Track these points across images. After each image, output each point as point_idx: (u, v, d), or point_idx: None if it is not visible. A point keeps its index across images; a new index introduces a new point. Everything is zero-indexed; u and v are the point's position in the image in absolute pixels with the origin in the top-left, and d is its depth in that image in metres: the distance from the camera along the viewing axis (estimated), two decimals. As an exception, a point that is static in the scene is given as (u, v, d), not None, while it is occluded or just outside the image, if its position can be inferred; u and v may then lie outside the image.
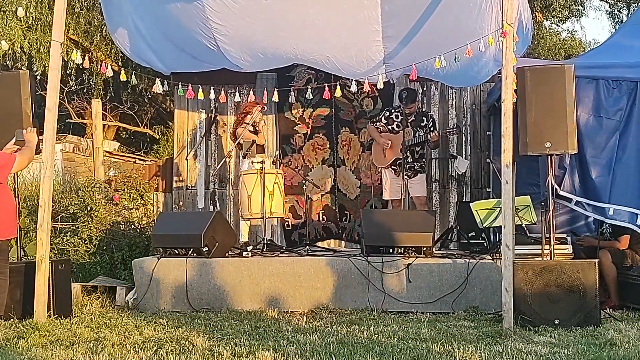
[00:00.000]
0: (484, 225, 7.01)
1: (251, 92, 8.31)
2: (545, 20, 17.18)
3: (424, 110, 9.06)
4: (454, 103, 9.49)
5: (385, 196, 8.63)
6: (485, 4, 6.54)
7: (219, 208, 9.21)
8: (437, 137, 8.40)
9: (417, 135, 8.33)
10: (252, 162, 8.19)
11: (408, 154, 8.30)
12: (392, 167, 8.44)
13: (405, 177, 8.19)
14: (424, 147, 8.54)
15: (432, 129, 8.43)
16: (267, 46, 7.52)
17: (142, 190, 9.32)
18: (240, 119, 8.73)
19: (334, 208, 9.59)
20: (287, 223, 9.52)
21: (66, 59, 7.52)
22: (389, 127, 8.50)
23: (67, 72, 12.96)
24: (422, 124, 8.44)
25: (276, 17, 7.04)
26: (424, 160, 8.61)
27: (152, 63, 8.25)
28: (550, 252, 6.22)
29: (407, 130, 8.27)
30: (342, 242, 9.53)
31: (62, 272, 6.71)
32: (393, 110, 8.62)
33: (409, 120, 8.36)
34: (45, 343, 5.39)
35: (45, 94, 6.61)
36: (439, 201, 9.42)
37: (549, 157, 6.26)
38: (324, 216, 9.60)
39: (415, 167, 8.45)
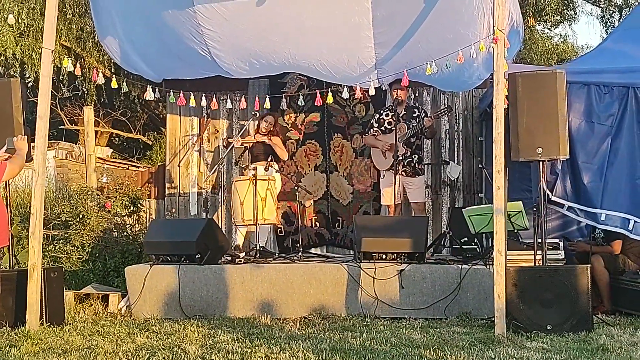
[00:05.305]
0: (477, 231, 7.02)
1: (243, 99, 8.32)
2: (537, 24, 17.25)
3: (413, 104, 8.96)
4: (446, 109, 9.49)
5: (383, 202, 8.53)
6: (477, 10, 6.55)
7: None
8: (431, 122, 8.31)
9: (411, 126, 8.25)
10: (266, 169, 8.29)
11: (405, 147, 8.22)
12: (392, 168, 8.16)
13: (402, 173, 8.12)
14: (419, 138, 8.45)
15: (424, 116, 8.38)
16: (258, 51, 7.52)
17: (135, 197, 9.30)
18: (257, 130, 8.78)
19: (327, 214, 9.59)
20: (279, 229, 9.51)
21: (58, 66, 7.49)
22: (382, 128, 8.43)
23: (60, 78, 12.96)
24: (414, 115, 8.35)
25: (267, 22, 7.04)
26: (420, 151, 8.50)
27: (142, 71, 8.20)
28: (543, 257, 6.22)
29: (400, 126, 8.18)
30: (334, 248, 9.52)
31: (54, 280, 6.69)
32: (382, 112, 8.57)
33: (400, 115, 8.29)
34: (38, 351, 5.36)
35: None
36: (432, 207, 9.42)
37: (541, 162, 6.27)
38: (316, 222, 9.60)
39: (414, 161, 8.30)
